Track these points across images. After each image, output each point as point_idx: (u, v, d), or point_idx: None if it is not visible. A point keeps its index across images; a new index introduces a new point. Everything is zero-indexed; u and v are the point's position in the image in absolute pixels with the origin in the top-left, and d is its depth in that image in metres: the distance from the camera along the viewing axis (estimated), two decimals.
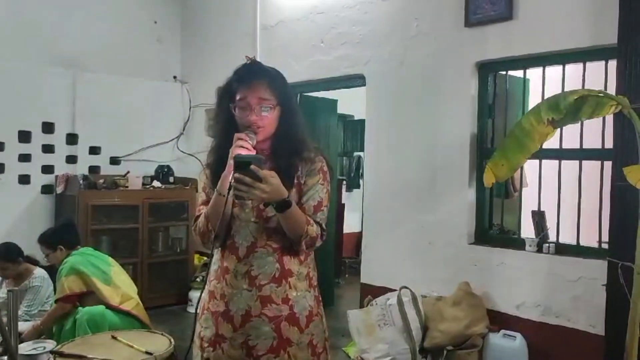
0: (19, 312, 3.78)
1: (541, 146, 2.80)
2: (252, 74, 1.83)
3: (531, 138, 2.74)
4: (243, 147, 1.71)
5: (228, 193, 1.71)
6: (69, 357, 2.05)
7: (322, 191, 1.88)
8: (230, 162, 1.70)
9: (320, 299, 1.96)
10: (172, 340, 2.06)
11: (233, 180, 1.65)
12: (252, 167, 1.63)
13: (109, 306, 3.45)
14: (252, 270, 1.82)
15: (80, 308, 3.45)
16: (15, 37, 5.19)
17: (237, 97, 1.82)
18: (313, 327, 1.88)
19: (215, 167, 1.87)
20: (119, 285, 3.59)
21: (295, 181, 1.84)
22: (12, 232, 4.80)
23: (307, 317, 1.87)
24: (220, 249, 1.89)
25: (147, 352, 2.06)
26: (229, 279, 1.84)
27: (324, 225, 1.87)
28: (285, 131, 1.86)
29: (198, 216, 1.89)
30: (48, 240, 3.69)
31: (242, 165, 1.64)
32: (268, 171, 1.67)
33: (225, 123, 1.87)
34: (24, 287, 3.91)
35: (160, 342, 2.21)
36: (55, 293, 3.64)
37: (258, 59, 2.01)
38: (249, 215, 1.83)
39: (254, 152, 1.74)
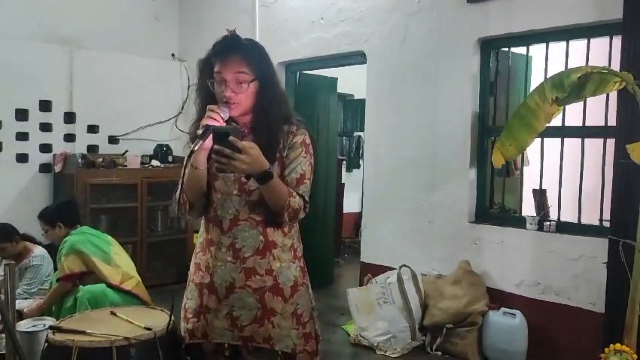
0: (19, 291, 3.79)
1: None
2: (228, 47, 1.80)
3: (537, 117, 2.72)
4: (213, 118, 1.69)
5: (208, 163, 1.71)
6: (68, 333, 2.04)
7: (304, 164, 1.86)
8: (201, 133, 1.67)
9: (306, 269, 1.98)
10: (172, 316, 2.06)
11: (213, 152, 1.64)
12: (231, 138, 1.62)
13: (109, 285, 3.45)
14: (236, 243, 1.84)
15: (81, 287, 3.45)
16: (12, 14, 5.11)
17: (215, 70, 1.80)
18: (298, 297, 1.90)
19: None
20: (119, 265, 3.57)
21: (278, 154, 1.83)
22: (10, 211, 4.79)
23: (291, 288, 1.89)
24: (204, 220, 1.91)
25: (146, 328, 2.06)
26: (213, 251, 1.87)
27: (306, 198, 1.85)
28: (264, 106, 1.83)
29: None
30: (48, 216, 3.67)
31: (220, 136, 1.63)
32: (247, 142, 1.66)
33: (206, 95, 1.86)
34: (24, 266, 3.91)
35: (160, 318, 2.19)
36: (55, 271, 3.63)
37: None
38: (230, 188, 1.84)
39: (224, 125, 1.71)
